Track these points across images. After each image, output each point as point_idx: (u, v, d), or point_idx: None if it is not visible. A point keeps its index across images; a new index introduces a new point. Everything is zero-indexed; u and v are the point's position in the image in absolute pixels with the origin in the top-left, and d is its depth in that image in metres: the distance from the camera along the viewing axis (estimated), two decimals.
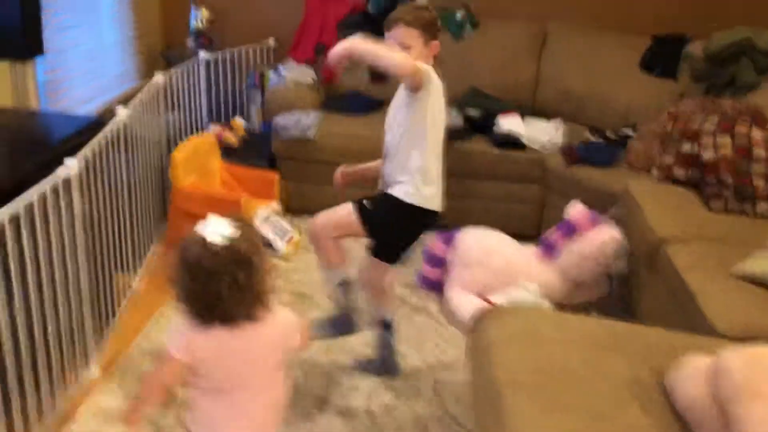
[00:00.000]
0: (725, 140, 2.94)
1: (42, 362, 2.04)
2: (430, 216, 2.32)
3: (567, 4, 4.10)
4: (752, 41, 3.31)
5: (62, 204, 2.07)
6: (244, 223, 1.50)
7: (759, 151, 2.87)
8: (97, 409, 2.19)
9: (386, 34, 2.25)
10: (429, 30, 2.25)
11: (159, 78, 3.20)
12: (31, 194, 1.88)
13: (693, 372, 1.60)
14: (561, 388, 1.59)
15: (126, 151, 2.77)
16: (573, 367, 1.68)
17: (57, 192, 2.03)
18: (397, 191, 2.27)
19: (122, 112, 2.63)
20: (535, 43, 4.02)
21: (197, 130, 3.80)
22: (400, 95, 2.31)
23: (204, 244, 1.43)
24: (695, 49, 3.64)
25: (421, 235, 2.39)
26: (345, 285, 2.39)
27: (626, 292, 2.95)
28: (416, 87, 2.15)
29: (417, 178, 2.25)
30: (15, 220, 1.81)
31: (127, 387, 2.30)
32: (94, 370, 2.36)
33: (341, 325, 2.44)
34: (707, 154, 2.95)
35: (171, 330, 1.60)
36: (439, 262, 2.99)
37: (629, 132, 3.58)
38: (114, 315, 2.66)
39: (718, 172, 2.88)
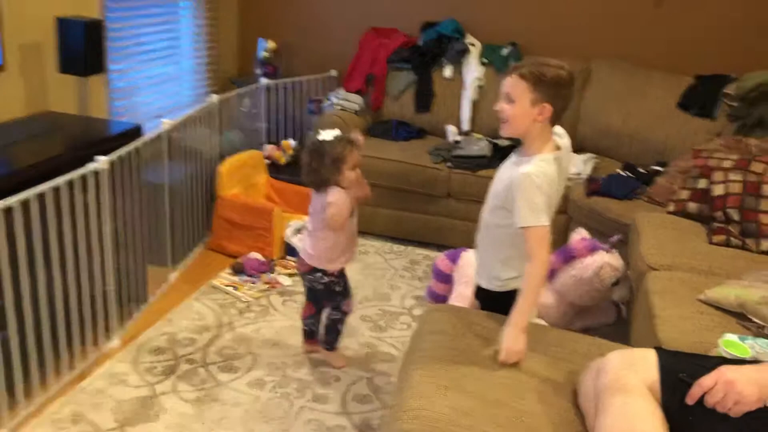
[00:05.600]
0: (737, 177, 2.94)
1: (63, 330, 2.40)
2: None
3: (613, 44, 4.18)
4: None
5: (90, 195, 2.44)
6: (347, 140, 2.41)
7: None
8: (109, 373, 2.53)
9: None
10: (542, 88, 1.87)
11: (214, 99, 3.61)
12: (58, 181, 2.27)
13: (592, 373, 1.70)
14: (466, 374, 1.73)
15: (171, 158, 3.17)
16: (487, 360, 1.82)
17: (85, 183, 2.41)
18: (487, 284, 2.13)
19: (165, 124, 3.03)
20: (578, 81, 4.12)
21: (255, 147, 4.18)
22: (504, 178, 1.99)
23: (315, 137, 2.43)
24: (731, 88, 3.63)
25: None
26: None
27: (628, 321, 2.99)
28: None
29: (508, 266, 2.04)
30: (41, 200, 2.19)
31: (140, 358, 2.63)
32: (115, 342, 2.71)
33: None
34: (717, 190, 2.96)
35: None
36: (445, 278, 3.16)
37: (659, 168, 3.60)
38: (145, 300, 3.02)
39: (725, 207, 2.89)
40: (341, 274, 2.60)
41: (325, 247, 2.49)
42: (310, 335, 2.74)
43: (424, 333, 1.93)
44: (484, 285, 2.15)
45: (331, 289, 2.58)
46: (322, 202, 2.42)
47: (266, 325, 2.93)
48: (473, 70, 4.16)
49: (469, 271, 3.04)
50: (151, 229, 3.04)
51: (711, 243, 2.84)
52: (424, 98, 4.22)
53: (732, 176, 2.95)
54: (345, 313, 2.67)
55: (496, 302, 2.07)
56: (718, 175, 2.99)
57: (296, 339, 2.83)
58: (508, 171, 1.98)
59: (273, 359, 2.68)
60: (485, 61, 4.20)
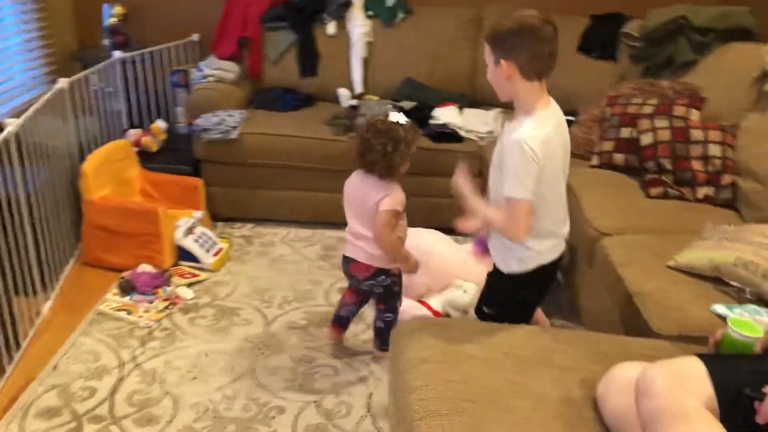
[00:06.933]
0: (663, 123, 2.83)
1: None
2: (540, 273, 1.95)
3: None
4: (688, 19, 3.20)
5: None
6: (415, 128, 2.29)
7: (696, 133, 2.76)
8: None
9: None
10: (497, 46, 1.76)
11: (63, 83, 2.96)
12: None
13: (621, 386, 1.47)
14: (482, 416, 1.44)
15: (22, 165, 2.55)
16: (496, 389, 1.53)
17: None
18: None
19: (11, 124, 2.40)
20: (471, 29, 3.86)
21: (116, 137, 3.56)
22: (499, 150, 1.86)
23: (386, 117, 2.25)
24: (632, 28, 3.52)
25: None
26: None
27: (570, 286, 2.84)
28: None
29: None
30: None
31: (27, 427, 2.08)
32: None
33: None
34: (645, 139, 2.83)
35: None
36: None
37: (570, 118, 3.44)
38: (18, 346, 2.44)
39: (657, 157, 2.77)
40: (400, 273, 2.38)
41: None
42: (340, 322, 2.51)
43: (411, 364, 1.60)
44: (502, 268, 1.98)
45: (392, 290, 2.37)
46: (375, 196, 2.19)
47: (178, 353, 2.46)
48: (359, 25, 3.77)
49: None
50: (11, 253, 2.44)
51: (649, 197, 2.72)
52: (308, 60, 3.78)
53: (658, 123, 2.83)
54: (397, 314, 2.44)
55: (514, 286, 1.98)
56: (644, 123, 2.86)
57: (219, 366, 2.40)
58: (503, 141, 1.85)
59: (198, 397, 2.24)
60: (370, 13, 3.82)
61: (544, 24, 1.72)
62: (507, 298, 2.02)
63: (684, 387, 1.33)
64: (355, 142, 2.26)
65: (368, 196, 2.21)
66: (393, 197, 2.19)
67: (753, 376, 1.33)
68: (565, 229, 2.02)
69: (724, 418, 1.31)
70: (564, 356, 1.69)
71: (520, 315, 2.00)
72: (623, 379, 1.48)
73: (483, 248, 2.77)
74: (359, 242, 2.28)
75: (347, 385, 2.33)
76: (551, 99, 1.84)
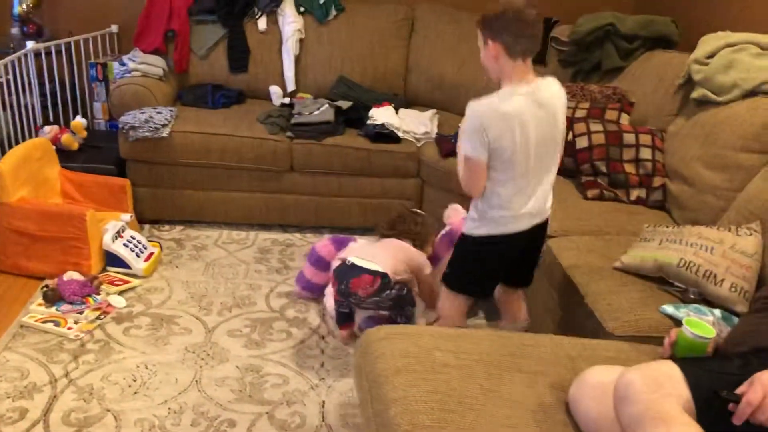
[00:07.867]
0: (597, 127, 2.92)
1: None
2: (491, 243, 2.10)
3: None
4: (615, 26, 3.31)
5: None
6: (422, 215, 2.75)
7: (629, 137, 2.86)
8: None
9: None
10: (485, 28, 1.94)
11: None
12: None
13: (595, 391, 1.50)
14: (465, 425, 1.43)
15: None
16: (474, 397, 1.52)
17: None
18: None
19: None
20: (404, 29, 3.85)
21: (30, 134, 3.32)
22: None
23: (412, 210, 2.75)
24: (561, 33, 3.62)
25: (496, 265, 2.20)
26: None
27: None
28: None
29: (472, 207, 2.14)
30: None
31: None
32: None
33: None
34: (581, 142, 2.92)
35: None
36: (324, 266, 2.78)
37: None
38: None
39: (592, 160, 2.86)
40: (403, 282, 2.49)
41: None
42: (345, 318, 2.52)
43: (387, 375, 1.56)
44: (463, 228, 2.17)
45: (404, 299, 2.42)
46: (412, 257, 2.52)
47: (115, 366, 2.32)
48: (291, 21, 3.68)
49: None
50: None
51: (586, 198, 2.80)
52: (238, 56, 3.66)
53: (593, 127, 2.92)
54: (413, 321, 2.51)
55: (466, 246, 2.16)
56: (579, 127, 2.94)
57: (161, 378, 2.28)
58: None
59: (141, 413, 2.11)
60: (302, 9, 3.74)
61: (526, 7, 1.88)
62: (459, 258, 2.20)
63: (662, 391, 1.37)
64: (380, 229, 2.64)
65: (402, 253, 2.49)
66: (428, 264, 2.57)
67: (724, 377, 1.39)
68: (527, 207, 2.05)
69: (699, 419, 1.35)
70: (530, 360, 1.70)
71: (472, 283, 2.20)
72: (597, 383, 1.52)
73: (432, 261, 2.77)
74: (365, 260, 2.40)
75: (298, 394, 2.27)
76: (540, 78, 1.97)
